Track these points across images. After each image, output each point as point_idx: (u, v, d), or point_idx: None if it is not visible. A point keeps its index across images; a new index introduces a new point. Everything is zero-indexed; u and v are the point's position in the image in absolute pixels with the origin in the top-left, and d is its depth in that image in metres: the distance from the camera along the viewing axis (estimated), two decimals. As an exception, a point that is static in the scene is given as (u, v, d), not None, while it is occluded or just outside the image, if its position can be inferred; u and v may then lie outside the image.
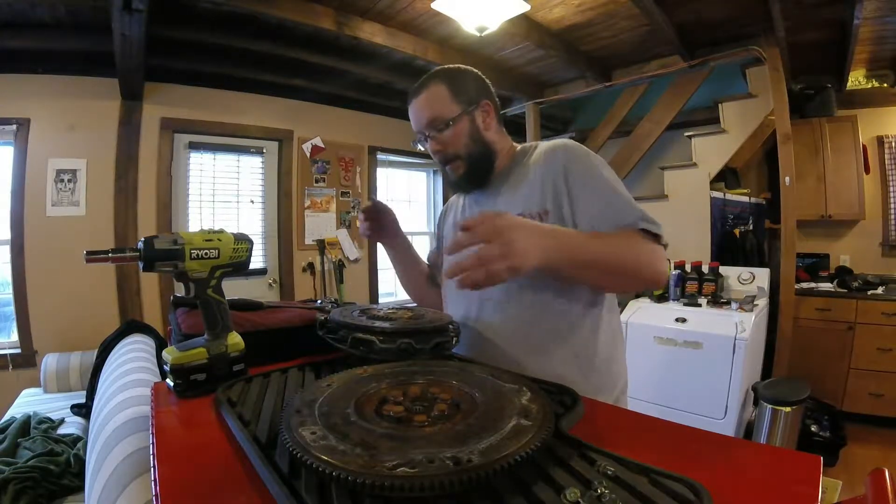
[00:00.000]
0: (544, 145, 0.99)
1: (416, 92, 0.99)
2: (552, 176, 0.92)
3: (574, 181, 0.90)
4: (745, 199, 3.51)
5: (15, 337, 2.67)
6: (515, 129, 4.58)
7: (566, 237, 0.78)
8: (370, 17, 2.69)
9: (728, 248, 3.25)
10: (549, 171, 0.93)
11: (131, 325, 2.13)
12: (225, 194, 3.35)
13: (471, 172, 1.00)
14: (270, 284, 3.50)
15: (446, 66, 1.02)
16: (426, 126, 0.98)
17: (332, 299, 1.16)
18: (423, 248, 4.53)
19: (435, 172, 4.64)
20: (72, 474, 1.57)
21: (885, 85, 3.30)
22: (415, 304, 1.15)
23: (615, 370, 0.98)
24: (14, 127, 2.60)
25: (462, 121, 0.96)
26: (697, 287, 2.83)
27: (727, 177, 3.51)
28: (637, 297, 2.94)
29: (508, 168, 1.02)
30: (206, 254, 0.72)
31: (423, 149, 1.04)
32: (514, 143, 1.06)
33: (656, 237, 0.84)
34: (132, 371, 1.42)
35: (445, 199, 4.84)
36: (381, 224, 1.14)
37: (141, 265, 0.67)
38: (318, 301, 1.13)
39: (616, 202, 0.86)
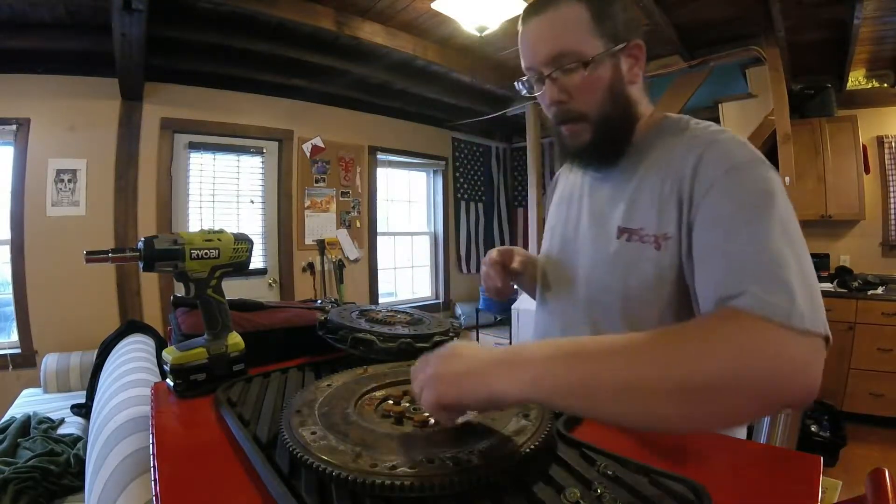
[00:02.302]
0: (696, 130, 0.69)
1: (542, 6, 0.67)
2: (679, 183, 0.64)
3: (699, 200, 0.60)
4: (746, 199, 3.51)
5: (15, 337, 2.66)
6: (516, 129, 4.59)
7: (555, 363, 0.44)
8: (370, 17, 2.69)
9: (728, 247, 3.25)
10: (679, 173, 0.64)
11: (131, 325, 2.13)
12: (225, 194, 3.35)
13: (599, 142, 0.70)
14: (270, 284, 3.50)
15: None
16: (547, 61, 0.67)
17: (332, 299, 1.16)
18: (423, 248, 4.53)
19: (435, 172, 4.61)
20: (72, 474, 1.57)
21: (885, 85, 3.29)
22: (413, 308, 1.14)
23: None
24: (14, 127, 2.60)
25: (604, 64, 0.66)
26: (697, 287, 2.82)
27: (727, 177, 3.51)
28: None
29: (648, 144, 0.72)
30: (206, 254, 0.72)
31: (527, 94, 0.73)
32: (657, 111, 0.77)
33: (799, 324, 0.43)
34: (132, 371, 1.42)
35: (446, 199, 4.74)
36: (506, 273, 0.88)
37: (141, 265, 0.67)
38: (318, 301, 1.13)
39: (738, 252, 0.51)
